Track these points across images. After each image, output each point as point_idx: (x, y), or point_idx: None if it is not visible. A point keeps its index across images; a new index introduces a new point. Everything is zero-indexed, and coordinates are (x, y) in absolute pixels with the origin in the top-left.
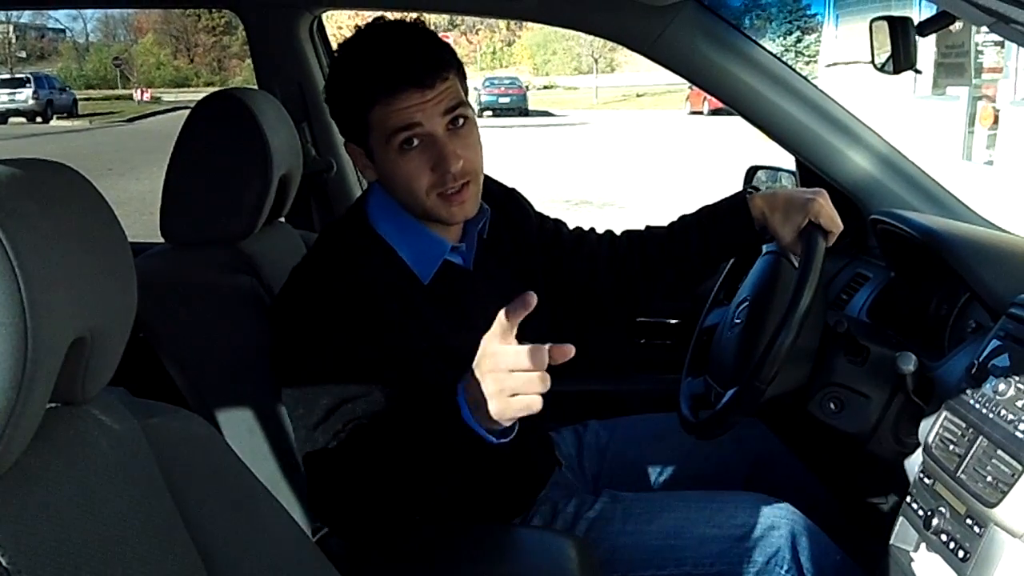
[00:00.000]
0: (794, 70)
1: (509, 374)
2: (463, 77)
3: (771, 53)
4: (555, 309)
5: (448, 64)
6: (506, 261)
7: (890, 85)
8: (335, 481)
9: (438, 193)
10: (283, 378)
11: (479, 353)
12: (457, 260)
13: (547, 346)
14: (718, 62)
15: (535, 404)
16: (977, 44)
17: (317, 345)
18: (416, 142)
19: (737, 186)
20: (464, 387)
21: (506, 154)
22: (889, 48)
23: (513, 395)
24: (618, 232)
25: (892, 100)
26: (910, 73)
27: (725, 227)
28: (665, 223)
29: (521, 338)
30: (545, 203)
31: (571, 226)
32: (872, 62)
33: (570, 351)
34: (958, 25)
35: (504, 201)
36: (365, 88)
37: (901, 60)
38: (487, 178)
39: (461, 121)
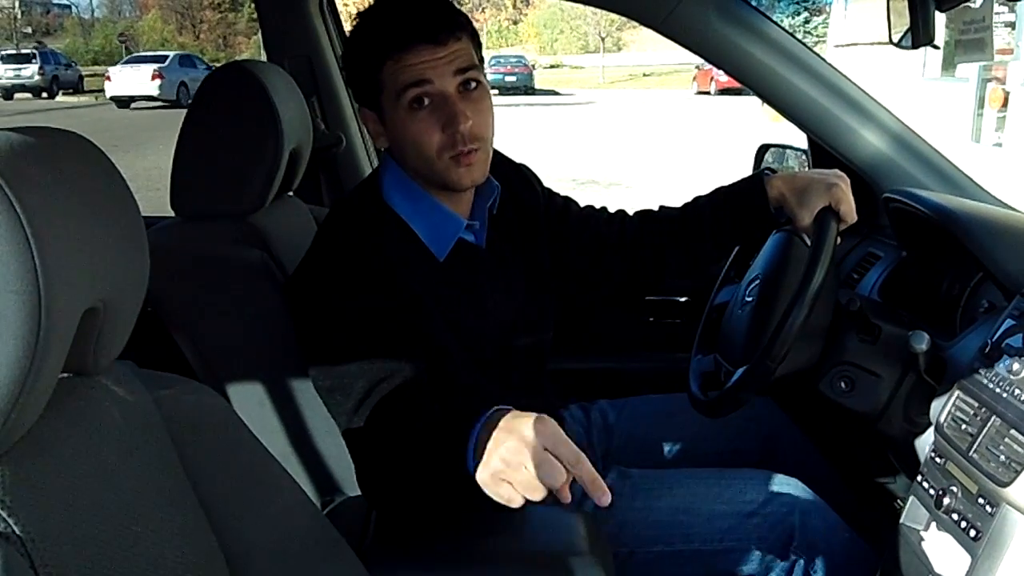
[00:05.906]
0: (808, 47)
1: (520, 469)
2: (478, 46)
3: (784, 29)
4: (562, 287)
5: (461, 26)
6: (514, 238)
7: (899, 67)
8: (381, 460)
9: (450, 156)
10: (312, 360)
11: (513, 428)
12: (470, 238)
13: (566, 477)
14: (731, 38)
15: (515, 502)
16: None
17: (343, 324)
18: (427, 101)
19: (742, 166)
20: (476, 442)
21: (512, 133)
22: (907, 22)
23: (505, 481)
24: (631, 212)
25: (901, 82)
26: (919, 55)
27: (740, 207)
28: (678, 204)
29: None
30: (551, 182)
31: (581, 205)
32: (888, 38)
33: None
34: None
35: (512, 177)
36: (377, 45)
37: (920, 35)
38: (497, 154)
39: (473, 84)
